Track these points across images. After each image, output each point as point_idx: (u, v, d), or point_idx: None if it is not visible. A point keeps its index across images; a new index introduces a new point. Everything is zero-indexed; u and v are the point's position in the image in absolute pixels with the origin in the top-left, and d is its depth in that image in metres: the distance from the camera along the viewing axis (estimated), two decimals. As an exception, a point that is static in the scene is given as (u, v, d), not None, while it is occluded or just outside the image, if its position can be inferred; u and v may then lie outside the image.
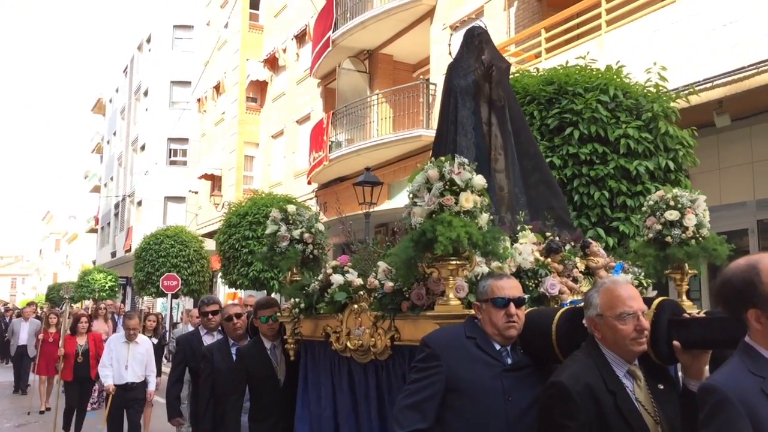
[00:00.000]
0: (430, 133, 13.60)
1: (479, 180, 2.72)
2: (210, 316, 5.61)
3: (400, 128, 14.83)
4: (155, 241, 18.59)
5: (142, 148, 33.43)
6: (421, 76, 15.77)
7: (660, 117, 5.82)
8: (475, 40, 3.98)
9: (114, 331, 11.63)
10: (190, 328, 9.45)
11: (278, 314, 4.22)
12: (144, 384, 7.49)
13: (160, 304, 27.61)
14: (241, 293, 18.19)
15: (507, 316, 2.53)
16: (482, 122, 3.76)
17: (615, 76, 6.05)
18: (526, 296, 2.73)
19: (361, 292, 3.40)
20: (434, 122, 13.72)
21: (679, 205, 3.16)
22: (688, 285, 3.35)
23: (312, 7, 19.01)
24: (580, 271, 3.29)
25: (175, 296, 18.93)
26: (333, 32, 16.40)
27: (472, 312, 2.69)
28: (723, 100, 7.78)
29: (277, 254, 4.04)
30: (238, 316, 4.98)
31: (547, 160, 4.30)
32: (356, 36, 15.96)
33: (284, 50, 21.45)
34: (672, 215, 3.14)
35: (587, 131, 5.52)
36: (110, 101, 44.81)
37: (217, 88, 25.94)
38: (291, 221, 4.09)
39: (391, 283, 3.09)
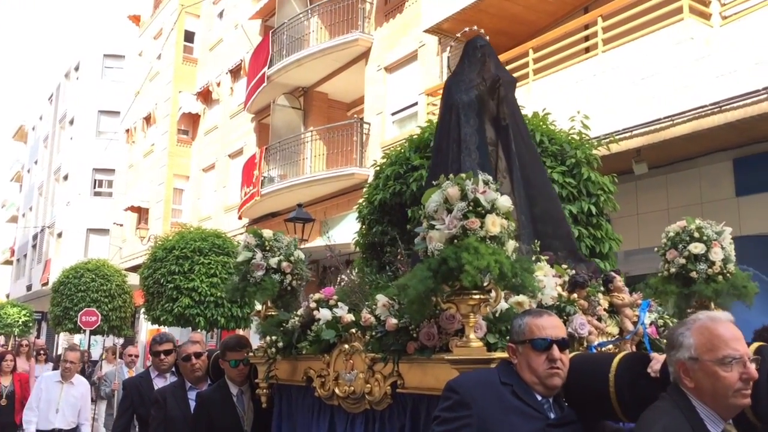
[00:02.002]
0: (363, 172, 13.72)
1: (505, 201, 2.34)
2: (162, 356, 4.91)
3: (334, 166, 14.89)
4: (75, 275, 17.81)
5: (65, 177, 32.22)
6: (356, 115, 15.94)
7: (583, 163, 6.06)
8: (478, 52, 3.61)
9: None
10: (124, 369, 8.95)
11: (251, 354, 3.74)
12: None
13: (77, 342, 26.33)
14: (165, 329, 17.59)
15: (549, 361, 2.12)
16: (487, 142, 3.43)
17: (541, 123, 6.28)
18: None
19: (353, 330, 2.99)
20: (368, 161, 13.88)
21: (705, 237, 2.86)
22: None
23: (248, 42, 19.03)
24: (605, 309, 2.96)
25: (93, 333, 18.11)
26: (268, 68, 16.43)
27: (496, 355, 2.32)
28: (641, 149, 8.20)
29: (250, 285, 3.59)
30: (198, 355, 4.33)
31: (477, 201, 4.31)
32: (292, 73, 16.03)
33: (218, 84, 21.30)
34: (697, 248, 2.83)
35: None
36: (33, 129, 43.13)
37: (147, 119, 25.42)
38: (267, 248, 3.66)
39: (394, 320, 2.67)
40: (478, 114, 3.44)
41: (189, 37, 24.04)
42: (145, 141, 25.59)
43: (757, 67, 7.13)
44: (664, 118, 7.81)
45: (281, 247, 3.70)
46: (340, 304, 3.17)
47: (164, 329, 16.85)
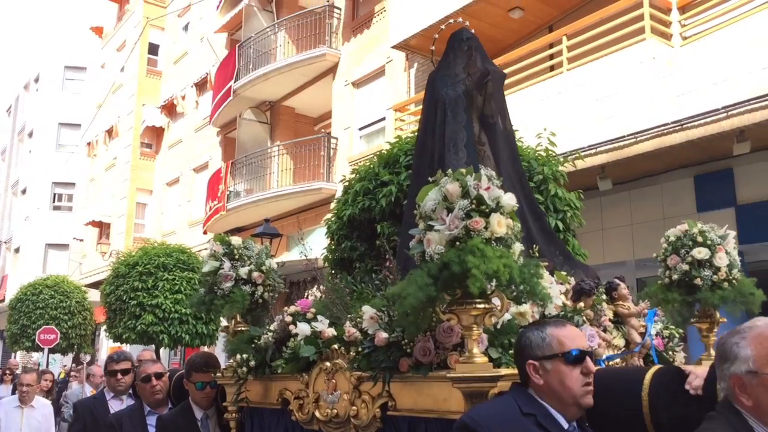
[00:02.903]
0: (331, 186, 13.67)
1: (510, 199, 2.12)
2: (119, 375, 4.49)
3: (301, 180, 14.82)
4: (33, 291, 17.34)
5: (23, 191, 31.46)
6: (323, 130, 15.92)
7: (550, 180, 6.13)
8: (464, 44, 3.39)
9: None
10: (87, 389, 8.59)
11: (218, 375, 3.46)
12: None
13: (36, 360, 25.57)
14: (126, 347, 17.19)
15: (584, 375, 1.88)
16: (474, 141, 3.21)
17: (509, 139, 6.34)
18: None
19: (335, 346, 2.74)
20: (335, 176, 13.85)
21: (708, 242, 2.69)
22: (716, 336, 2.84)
23: (213, 55, 18.89)
24: (609, 319, 2.78)
25: (52, 351, 17.62)
26: (235, 82, 16.32)
27: (503, 372, 2.09)
28: (605, 165, 8.33)
29: (218, 297, 3.29)
30: (159, 376, 3.98)
31: (447, 217, 4.30)
32: (258, 87, 15.95)
33: (183, 97, 21.07)
34: (701, 253, 2.66)
35: (484, 191, 5.70)
36: (-10, 141, 42.09)
37: (109, 132, 25.00)
38: (236, 256, 3.36)
39: (384, 334, 2.42)
40: (465, 110, 3.21)
41: (153, 49, 23.77)
42: (107, 154, 25.15)
43: (716, 86, 7.32)
44: (628, 135, 7.95)
45: (251, 256, 3.41)
46: (319, 317, 2.89)
47: (126, 347, 16.49)
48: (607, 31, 8.65)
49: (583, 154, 7.77)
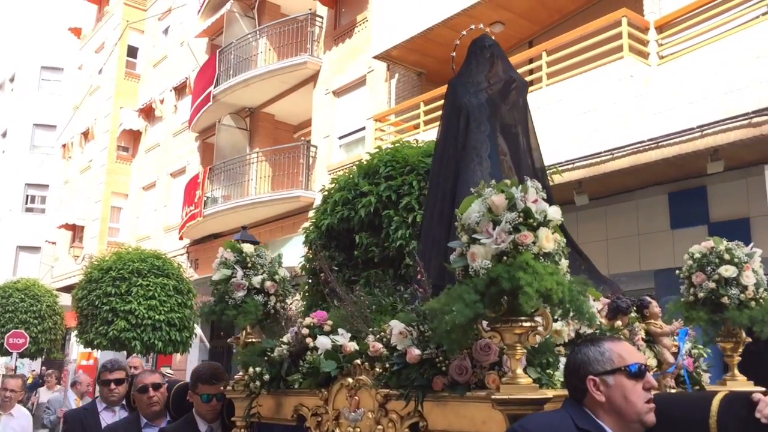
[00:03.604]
0: (309, 194, 13.64)
1: (555, 212, 2.05)
2: (113, 386, 4.30)
3: (279, 188, 14.76)
4: (3, 294, 17.03)
5: (-5, 192, 30.93)
6: (303, 138, 15.90)
7: (528, 193, 6.18)
8: (486, 52, 3.31)
9: None
10: (71, 396, 8.33)
11: (228, 388, 3.30)
12: None
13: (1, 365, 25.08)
14: (97, 353, 16.93)
15: (646, 391, 1.83)
16: (498, 150, 3.14)
17: (488, 153, 6.39)
18: None
19: (358, 361, 2.61)
20: (314, 184, 13.82)
21: (736, 260, 2.63)
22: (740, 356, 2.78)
23: (194, 60, 18.79)
24: (642, 338, 2.69)
25: (21, 355, 17.30)
26: (214, 87, 16.24)
27: (549, 393, 2.02)
28: (582, 180, 8.42)
29: (229, 307, 3.19)
30: (157, 386, 3.82)
31: (425, 229, 4.31)
32: (238, 93, 15.89)
33: (162, 101, 20.91)
34: (728, 271, 2.60)
35: (462, 203, 5.74)
36: (-38, 140, 41.34)
37: (85, 134, 24.70)
38: (249, 265, 3.27)
39: (417, 351, 2.30)
40: (488, 119, 3.13)
41: (132, 52, 23.58)
42: (83, 157, 24.83)
43: (692, 106, 7.45)
44: (605, 151, 8.05)
45: (264, 264, 3.30)
46: (340, 330, 2.77)
47: (97, 353, 16.23)
48: (586, 48, 8.77)
49: (560, 168, 7.85)
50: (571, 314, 2.04)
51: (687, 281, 2.74)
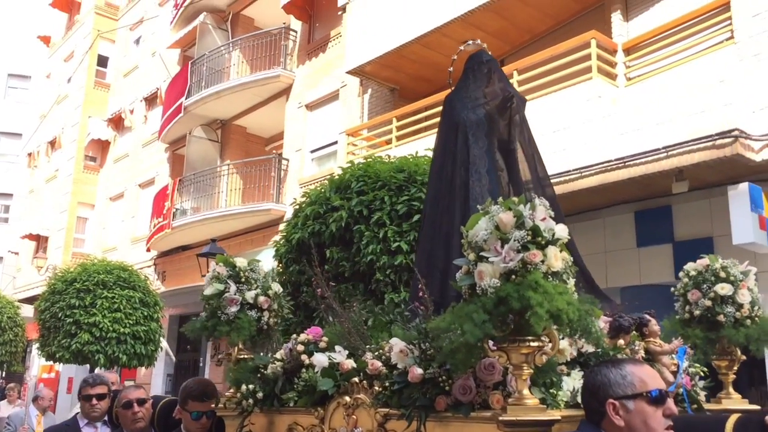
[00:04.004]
0: (280, 208, 13.59)
1: (563, 231, 2.04)
2: (94, 401, 4.13)
3: (250, 200, 14.68)
4: (-38, 305, 16.55)
5: (-43, 200, 30.18)
6: (274, 151, 15.85)
7: (498, 210, 6.24)
8: (483, 67, 3.30)
9: None
10: (33, 412, 8.15)
11: (220, 406, 3.23)
12: None
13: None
14: (59, 367, 16.56)
15: (667, 417, 1.79)
16: (496, 166, 3.12)
17: (459, 169, 6.44)
18: None
19: (356, 379, 2.58)
20: (285, 197, 13.77)
21: (731, 278, 2.65)
22: (735, 374, 2.77)
23: (165, 71, 18.65)
24: (642, 357, 2.64)
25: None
26: (186, 99, 16.13)
27: (556, 414, 2.00)
28: (551, 198, 8.53)
29: (221, 323, 3.09)
30: (141, 402, 3.72)
31: (395, 245, 4.35)
32: (210, 105, 15.80)
33: (131, 111, 20.69)
34: (724, 289, 2.63)
35: (433, 219, 5.77)
36: None
37: (52, 143, 24.30)
38: (242, 279, 3.19)
39: (419, 370, 2.26)
40: (486, 135, 3.12)
41: (102, 61, 23.31)
42: (49, 166, 24.40)
43: (658, 127, 7.62)
44: (574, 170, 8.17)
45: (258, 279, 3.23)
46: (337, 347, 2.72)
47: (59, 366, 15.86)
48: (556, 69, 8.92)
49: (530, 186, 7.95)
50: (578, 334, 2.02)
51: (682, 298, 2.74)
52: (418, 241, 3.46)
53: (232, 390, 3.12)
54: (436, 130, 11.66)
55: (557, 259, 1.96)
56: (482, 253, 1.99)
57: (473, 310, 1.93)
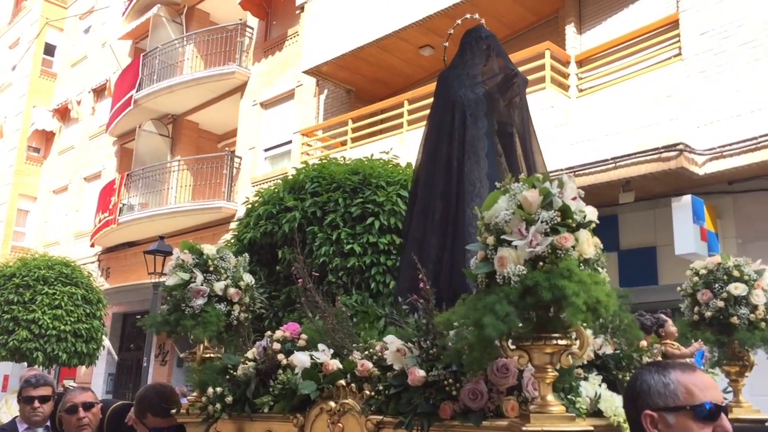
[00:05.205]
0: (231, 206, 13.41)
1: (593, 213, 1.80)
2: (36, 403, 3.70)
3: (200, 198, 14.44)
4: None
5: None
6: (227, 148, 15.63)
7: (451, 215, 6.30)
8: (482, 43, 3.07)
9: None
10: None
11: (182, 412, 2.91)
12: None
13: None
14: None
15: None
16: (496, 150, 2.89)
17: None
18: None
19: (342, 382, 2.29)
20: (237, 196, 13.60)
21: (746, 277, 2.47)
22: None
23: (116, 62, 18.20)
24: None
25: None
26: (137, 92, 15.77)
27: (583, 425, 1.77)
28: (503, 204, 8.64)
29: (186, 317, 2.76)
30: (88, 406, 3.34)
31: (348, 247, 4.34)
32: (162, 99, 15.49)
33: (79, 102, 20.11)
34: (738, 289, 2.43)
35: (387, 222, 5.76)
36: None
37: (-7, 132, 23.44)
38: (210, 269, 2.86)
39: (421, 372, 1.99)
40: (486, 115, 2.87)
41: (49, 50, 22.61)
42: (-11, 156, 23.53)
43: (607, 138, 7.82)
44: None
45: (228, 268, 2.90)
46: (320, 346, 2.43)
47: (-7, 364, 15.24)
48: (510, 77, 9.04)
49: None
50: (613, 330, 1.78)
51: (690, 299, 2.55)
52: (406, 228, 3.20)
53: (195, 393, 2.85)
54: (392, 132, 11.67)
55: (590, 244, 1.71)
56: (503, 237, 1.72)
57: (495, 301, 1.67)
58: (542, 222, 1.68)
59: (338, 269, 4.18)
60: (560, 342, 1.72)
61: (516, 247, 1.69)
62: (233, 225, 5.22)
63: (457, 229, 2.74)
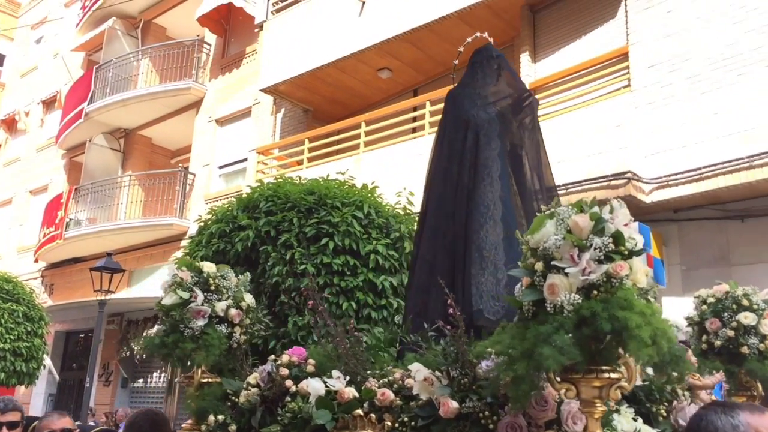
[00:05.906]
0: (183, 223, 13.18)
1: (641, 240, 1.73)
2: (5, 430, 3.46)
3: (151, 214, 14.15)
4: None
5: None
6: (180, 164, 15.40)
7: (406, 237, 6.31)
8: (493, 62, 2.99)
9: None
10: None
11: None
12: None
13: None
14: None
15: None
16: (508, 172, 2.84)
17: (370, 195, 6.49)
18: None
19: (360, 412, 2.16)
20: (190, 213, 13.38)
21: (755, 306, 2.44)
22: None
23: (67, 74, 17.80)
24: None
25: None
26: (88, 105, 15.45)
27: None
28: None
29: (185, 339, 2.59)
30: None
31: (302, 267, 4.31)
32: (114, 113, 15.20)
33: (27, 113, 19.58)
34: (747, 318, 2.40)
35: (341, 243, 5.75)
36: None
37: (-65, 141, 22.58)
38: (211, 287, 2.72)
39: (455, 404, 1.88)
40: (499, 136, 2.83)
41: (-2, 59, 22.02)
42: (-71, 165, 22.64)
43: (559, 165, 7.93)
44: (479, 201, 8.41)
45: (230, 288, 2.76)
46: (334, 373, 2.30)
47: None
48: (466, 102, 9.19)
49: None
50: (669, 363, 1.72)
51: (697, 327, 2.50)
52: (417, 251, 3.12)
53: (190, 422, 2.66)
54: (348, 153, 11.65)
55: (643, 273, 1.65)
56: (554, 262, 1.65)
57: (551, 331, 1.58)
58: (595, 249, 1.62)
59: (291, 289, 4.15)
60: (611, 375, 1.65)
61: (568, 274, 1.62)
62: (185, 243, 5.12)
63: (470, 251, 2.68)
